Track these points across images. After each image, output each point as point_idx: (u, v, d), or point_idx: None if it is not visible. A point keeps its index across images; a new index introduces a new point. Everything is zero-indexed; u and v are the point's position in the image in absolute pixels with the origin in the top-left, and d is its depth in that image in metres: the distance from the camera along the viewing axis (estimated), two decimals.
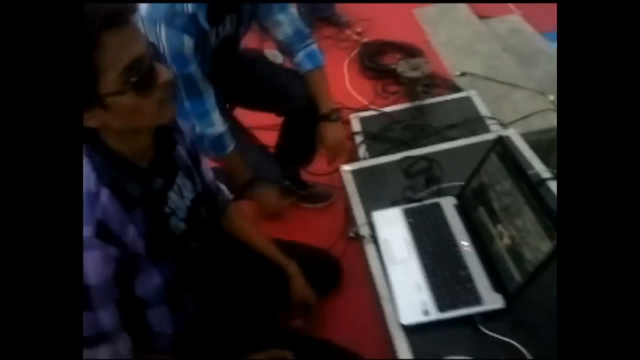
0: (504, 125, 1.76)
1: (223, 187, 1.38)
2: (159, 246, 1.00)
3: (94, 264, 0.87)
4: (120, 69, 0.81)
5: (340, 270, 1.67)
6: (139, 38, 0.85)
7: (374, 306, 1.25)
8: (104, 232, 0.88)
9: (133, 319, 1.00)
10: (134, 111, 0.86)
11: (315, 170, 2.08)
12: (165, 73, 0.88)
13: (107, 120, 0.86)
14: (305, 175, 2.09)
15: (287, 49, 1.67)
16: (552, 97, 2.18)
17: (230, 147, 1.56)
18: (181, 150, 1.12)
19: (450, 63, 2.64)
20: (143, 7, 1.33)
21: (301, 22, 1.65)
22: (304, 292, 1.41)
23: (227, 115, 1.72)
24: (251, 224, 1.44)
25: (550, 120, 2.05)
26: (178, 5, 1.31)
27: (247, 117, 1.86)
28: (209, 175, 1.29)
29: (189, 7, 1.31)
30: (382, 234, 1.31)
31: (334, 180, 2.02)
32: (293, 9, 1.63)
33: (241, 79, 1.74)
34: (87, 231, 0.86)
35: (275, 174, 1.84)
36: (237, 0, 1.51)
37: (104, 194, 0.89)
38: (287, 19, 1.61)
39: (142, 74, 0.84)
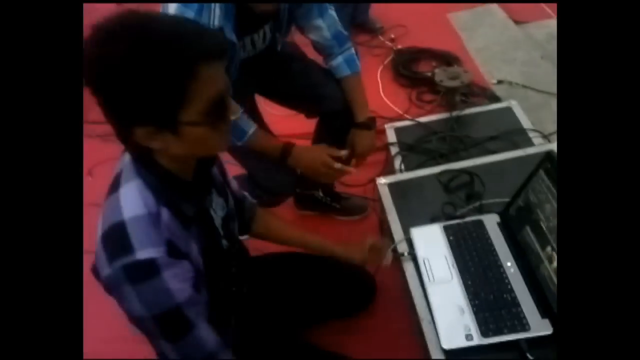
0: (546, 137, 1.69)
1: (246, 194, 1.37)
2: (214, 262, 1.00)
3: (175, 282, 0.86)
4: (205, 101, 0.83)
5: (375, 287, 1.63)
6: (225, 73, 0.87)
7: (411, 327, 1.21)
8: (174, 251, 0.87)
9: None
10: (202, 141, 0.88)
11: (348, 181, 2.03)
12: (235, 109, 0.91)
13: (170, 145, 0.86)
14: (338, 187, 2.04)
15: (324, 51, 1.64)
16: None
17: (251, 129, 1.51)
18: (214, 169, 1.12)
19: (487, 70, 2.58)
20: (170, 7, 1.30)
21: (340, 25, 1.61)
22: (365, 253, 1.38)
23: (254, 114, 1.66)
24: (283, 221, 1.43)
25: None
26: (204, 18, 1.28)
27: (279, 125, 1.82)
28: (234, 183, 1.30)
29: (216, 21, 1.29)
30: (421, 251, 1.26)
31: (367, 192, 1.98)
32: (332, 10, 1.59)
33: (275, 73, 1.71)
34: (159, 252, 0.85)
35: (285, 183, 1.76)
36: (265, 17, 1.46)
37: (165, 214, 0.89)
38: (326, 24, 1.57)
39: (221, 109, 0.86)
